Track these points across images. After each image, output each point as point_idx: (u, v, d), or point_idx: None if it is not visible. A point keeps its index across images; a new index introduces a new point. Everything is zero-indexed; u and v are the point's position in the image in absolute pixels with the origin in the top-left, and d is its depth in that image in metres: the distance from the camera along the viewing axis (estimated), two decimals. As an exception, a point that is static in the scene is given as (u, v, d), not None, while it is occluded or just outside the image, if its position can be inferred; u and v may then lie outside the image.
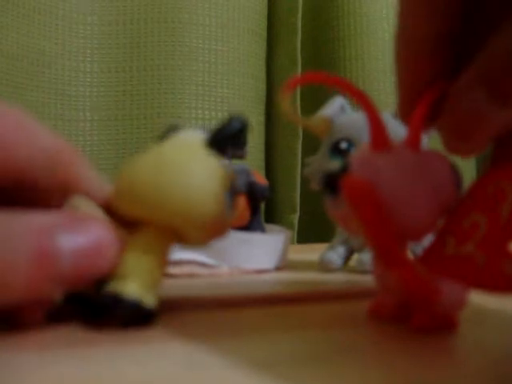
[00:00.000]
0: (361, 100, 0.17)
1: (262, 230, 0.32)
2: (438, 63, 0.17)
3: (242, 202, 0.31)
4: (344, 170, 0.17)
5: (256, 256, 0.31)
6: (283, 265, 0.32)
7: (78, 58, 0.53)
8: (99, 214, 0.18)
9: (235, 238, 0.30)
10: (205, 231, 0.17)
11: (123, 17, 0.54)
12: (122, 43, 0.54)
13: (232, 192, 0.18)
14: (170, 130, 0.19)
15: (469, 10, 0.17)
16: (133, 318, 0.16)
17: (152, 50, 0.54)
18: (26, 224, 0.15)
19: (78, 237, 0.16)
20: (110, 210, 0.18)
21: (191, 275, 0.29)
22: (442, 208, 0.17)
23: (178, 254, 0.29)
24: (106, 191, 0.19)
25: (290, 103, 0.16)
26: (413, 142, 0.18)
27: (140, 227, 0.18)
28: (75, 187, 0.18)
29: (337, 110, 0.30)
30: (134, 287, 0.17)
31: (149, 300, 0.17)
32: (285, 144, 0.58)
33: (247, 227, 0.31)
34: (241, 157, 0.32)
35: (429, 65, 0.17)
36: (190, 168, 0.17)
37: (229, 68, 0.56)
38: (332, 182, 0.17)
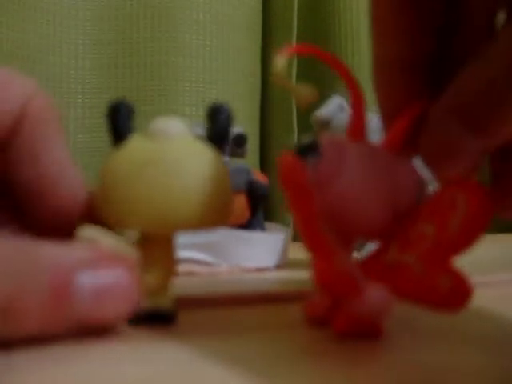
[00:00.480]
0: (347, 79, 0.17)
1: (262, 229, 0.32)
2: (414, 85, 0.17)
3: (242, 200, 0.30)
4: (313, 143, 0.16)
5: (256, 254, 0.30)
6: (283, 263, 0.32)
7: (69, 54, 0.52)
8: (114, 245, 0.17)
9: (235, 236, 0.30)
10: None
11: (115, 12, 0.54)
12: (114, 39, 0.54)
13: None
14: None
15: (446, 31, 0.17)
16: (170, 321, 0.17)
17: (145, 46, 0.53)
18: (46, 258, 0.14)
19: (98, 277, 0.15)
20: (93, 215, 0.17)
21: (190, 273, 0.29)
22: (397, 213, 0.17)
23: (177, 252, 0.29)
24: (82, 189, 0.18)
25: (283, 68, 0.15)
26: (390, 144, 0.17)
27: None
28: (43, 159, 0.17)
29: (335, 109, 0.30)
30: (164, 302, 0.17)
31: (169, 303, 0.17)
32: (280, 141, 0.58)
33: (247, 226, 0.31)
34: (241, 155, 0.31)
35: (404, 87, 0.17)
36: (191, 166, 0.16)
37: (223, 64, 0.55)
38: (300, 152, 0.16)
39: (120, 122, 0.17)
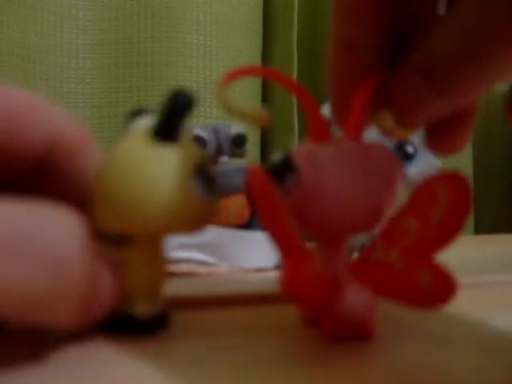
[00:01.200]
0: (297, 91, 0.17)
1: (262, 229, 0.32)
2: (372, 63, 0.18)
3: (241, 200, 0.30)
4: (281, 161, 0.16)
5: (256, 254, 0.30)
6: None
7: (70, 54, 0.52)
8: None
9: (235, 236, 0.30)
10: (182, 226, 0.16)
11: (116, 12, 0.54)
12: (115, 39, 0.54)
13: (202, 176, 0.16)
14: (130, 119, 0.16)
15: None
16: (147, 330, 0.16)
17: (145, 46, 0.53)
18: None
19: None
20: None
21: (190, 274, 0.29)
22: (384, 198, 0.17)
23: (177, 252, 0.28)
24: None
25: (226, 95, 0.15)
26: (353, 132, 0.17)
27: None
28: (77, 181, 0.17)
29: (331, 114, 0.30)
30: (143, 306, 0.16)
31: (158, 307, 0.17)
32: (280, 141, 0.58)
33: (247, 226, 0.31)
34: (241, 155, 0.31)
35: (361, 64, 0.18)
36: (132, 165, 0.15)
37: (223, 64, 0.55)
38: (273, 173, 0.16)
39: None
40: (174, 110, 0.15)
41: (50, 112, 0.16)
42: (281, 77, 0.17)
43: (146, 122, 0.16)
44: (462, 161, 0.63)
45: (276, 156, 0.16)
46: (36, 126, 0.15)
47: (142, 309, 0.16)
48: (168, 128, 0.15)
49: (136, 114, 0.16)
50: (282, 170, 0.16)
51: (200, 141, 0.31)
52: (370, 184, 0.16)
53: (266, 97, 0.60)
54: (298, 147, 0.18)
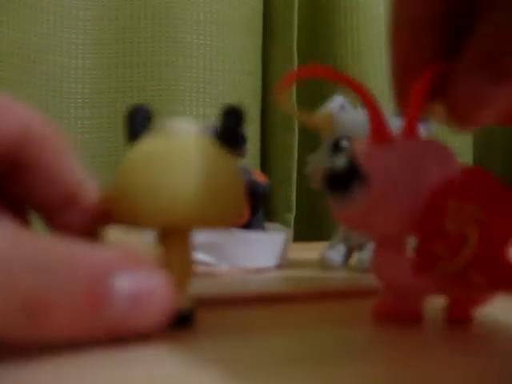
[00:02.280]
0: (359, 92, 0.17)
1: (262, 229, 0.32)
2: (434, 43, 0.18)
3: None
4: (348, 168, 0.16)
5: (256, 254, 0.30)
6: (283, 263, 0.32)
7: (69, 54, 0.52)
8: (143, 249, 0.16)
9: (235, 236, 0.30)
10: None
11: (116, 12, 0.54)
12: (115, 39, 0.54)
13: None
14: (141, 117, 0.17)
15: None
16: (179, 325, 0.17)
17: (145, 46, 0.53)
18: (81, 257, 0.13)
19: (136, 280, 0.14)
20: (106, 218, 0.17)
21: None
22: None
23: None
24: (97, 192, 0.18)
25: (288, 98, 0.16)
26: (410, 129, 0.17)
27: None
28: (57, 174, 0.17)
29: (337, 108, 0.30)
30: (183, 302, 0.17)
31: (187, 303, 0.17)
32: (281, 141, 0.58)
33: (247, 226, 0.31)
34: (241, 154, 0.31)
35: (424, 45, 0.18)
36: (198, 161, 0.16)
37: (223, 64, 0.55)
38: (337, 182, 0.16)
39: (134, 125, 0.17)
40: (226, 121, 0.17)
41: (18, 106, 0.16)
42: (339, 76, 0.17)
43: (190, 125, 0.17)
44: (462, 161, 0.63)
45: (337, 161, 0.15)
46: (6, 120, 0.15)
47: (182, 302, 0.16)
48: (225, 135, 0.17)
49: (135, 110, 0.17)
50: (349, 178, 0.15)
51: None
52: (429, 185, 0.16)
53: (265, 96, 0.60)
54: (359, 150, 0.17)
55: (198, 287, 0.25)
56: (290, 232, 0.36)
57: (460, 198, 0.15)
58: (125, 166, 0.16)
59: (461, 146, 0.64)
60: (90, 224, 0.18)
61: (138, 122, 0.17)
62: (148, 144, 0.17)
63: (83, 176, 0.18)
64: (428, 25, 0.18)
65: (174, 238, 0.17)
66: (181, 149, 0.16)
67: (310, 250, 0.38)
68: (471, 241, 0.15)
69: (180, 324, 0.16)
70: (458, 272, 0.15)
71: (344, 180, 0.15)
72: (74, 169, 0.18)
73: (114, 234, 0.18)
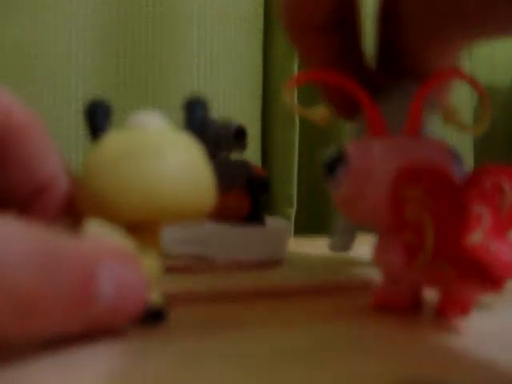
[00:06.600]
0: (351, 87, 0.18)
1: (262, 223, 0.32)
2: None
3: (241, 194, 0.30)
4: (336, 156, 0.17)
5: (255, 249, 0.30)
6: (282, 258, 0.32)
7: (70, 49, 0.52)
8: (120, 241, 0.16)
9: (234, 230, 0.30)
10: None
11: (116, 7, 0.54)
12: (115, 34, 0.53)
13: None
14: (96, 110, 0.17)
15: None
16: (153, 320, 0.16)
17: (146, 40, 0.53)
18: (72, 253, 0.13)
19: (118, 275, 0.14)
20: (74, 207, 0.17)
21: (187, 269, 0.29)
22: None
23: (174, 247, 0.28)
24: (71, 182, 0.18)
25: (292, 97, 0.16)
26: (412, 128, 0.18)
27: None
28: (32, 163, 0.17)
29: None
30: (154, 298, 0.16)
31: (158, 299, 0.17)
32: (281, 137, 0.57)
33: (247, 219, 0.31)
34: (241, 149, 0.31)
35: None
36: (170, 155, 0.16)
37: (224, 59, 0.55)
38: (326, 168, 0.17)
39: (97, 121, 0.17)
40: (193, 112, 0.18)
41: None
42: (336, 78, 0.18)
43: (157, 119, 0.17)
44: (461, 141, 0.63)
45: (331, 150, 0.17)
46: None
47: (154, 298, 0.16)
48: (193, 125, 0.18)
49: (96, 105, 0.17)
50: (334, 163, 0.17)
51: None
52: None
53: (266, 92, 0.60)
54: (354, 142, 0.18)
55: (195, 282, 0.25)
56: (290, 226, 0.36)
57: (414, 185, 0.16)
58: (94, 164, 0.16)
59: (461, 145, 0.64)
60: (64, 214, 0.18)
61: (100, 118, 0.17)
62: (116, 140, 0.16)
63: (60, 166, 0.18)
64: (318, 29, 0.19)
65: (145, 233, 0.16)
66: (150, 143, 0.16)
67: (310, 244, 0.38)
68: (428, 230, 0.15)
69: (152, 320, 0.16)
70: (432, 262, 0.15)
71: (331, 166, 0.17)
72: (50, 158, 0.17)
73: (88, 226, 0.17)
